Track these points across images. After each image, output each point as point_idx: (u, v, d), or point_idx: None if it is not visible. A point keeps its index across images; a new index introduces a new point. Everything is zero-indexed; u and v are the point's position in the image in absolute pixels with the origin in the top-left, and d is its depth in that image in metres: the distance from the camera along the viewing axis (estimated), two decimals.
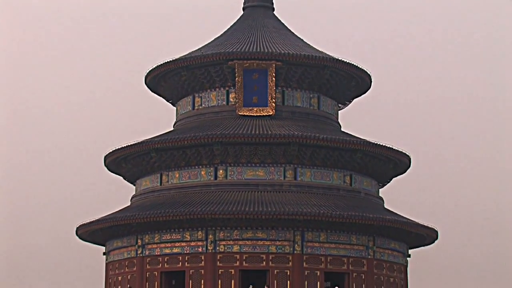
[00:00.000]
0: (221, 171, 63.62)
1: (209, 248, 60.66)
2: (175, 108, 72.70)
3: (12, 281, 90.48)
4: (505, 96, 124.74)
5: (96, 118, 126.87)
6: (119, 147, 66.63)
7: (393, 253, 65.73)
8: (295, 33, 73.53)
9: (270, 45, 67.90)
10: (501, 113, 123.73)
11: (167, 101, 74.06)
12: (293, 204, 60.56)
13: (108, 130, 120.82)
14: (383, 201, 69.70)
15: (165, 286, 61.29)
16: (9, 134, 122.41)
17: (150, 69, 70.12)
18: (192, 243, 61.35)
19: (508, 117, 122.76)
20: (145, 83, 72.24)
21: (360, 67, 69.46)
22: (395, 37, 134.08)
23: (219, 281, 60.07)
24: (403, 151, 67.53)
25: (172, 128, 70.83)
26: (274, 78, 65.63)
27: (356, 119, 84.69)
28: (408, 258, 68.83)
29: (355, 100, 74.56)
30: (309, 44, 71.76)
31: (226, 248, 60.65)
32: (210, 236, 60.77)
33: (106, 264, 68.53)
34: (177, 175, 65.13)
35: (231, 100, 67.11)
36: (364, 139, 66.08)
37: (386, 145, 65.89)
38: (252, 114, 65.85)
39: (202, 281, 60.11)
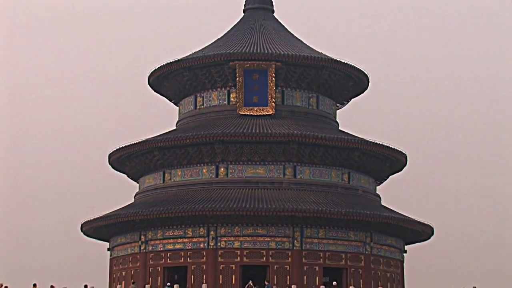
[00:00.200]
0: (222, 169, 63.64)
1: (210, 244, 60.69)
2: (177, 107, 72.69)
3: (18, 276, 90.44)
4: (502, 95, 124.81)
5: (100, 117, 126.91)
6: (123, 145, 66.65)
7: (389, 249, 65.75)
8: (294, 34, 73.54)
9: (270, 46, 67.92)
10: (498, 112, 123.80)
11: (170, 100, 74.05)
12: (292, 201, 60.57)
13: (112, 129, 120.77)
14: (380, 198, 69.71)
15: (167, 281, 61.24)
16: (15, 133, 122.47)
17: (153, 70, 70.14)
18: (194, 239, 61.37)
19: (504, 115, 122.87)
20: (148, 83, 72.24)
21: (358, 67, 69.50)
22: (392, 39, 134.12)
23: (220, 276, 60.10)
24: (400, 150, 67.57)
25: (174, 127, 70.84)
26: (274, 78, 65.65)
27: (354, 118, 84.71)
28: (404, 254, 68.85)
29: (353, 99, 74.55)
30: (308, 45, 71.77)
31: (227, 244, 60.67)
32: (212, 233, 60.79)
33: (110, 259, 68.54)
34: (179, 173, 65.14)
35: (232, 99, 67.13)
36: (361, 138, 66.10)
37: (383, 143, 65.94)
38: (252, 114, 65.86)
39: (204, 276, 60.11)
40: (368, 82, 71.73)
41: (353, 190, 65.87)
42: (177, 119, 71.71)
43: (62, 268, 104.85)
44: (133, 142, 65.85)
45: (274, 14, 75.43)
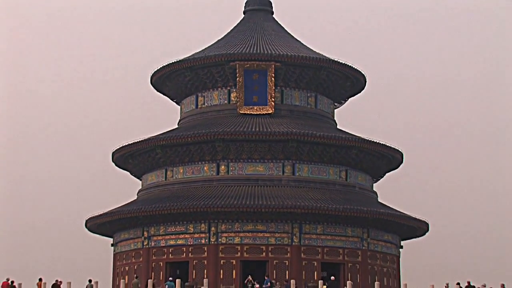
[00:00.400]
0: (223, 167, 63.62)
1: (211, 239, 60.69)
2: (179, 107, 72.66)
3: (25, 271, 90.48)
4: (498, 93, 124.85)
5: (104, 116, 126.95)
6: (126, 144, 66.62)
7: (386, 244, 65.74)
8: (293, 35, 73.50)
9: (269, 47, 67.89)
10: (493, 111, 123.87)
11: (172, 100, 74.01)
12: (291, 198, 60.57)
13: (116, 128, 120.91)
14: (376, 195, 69.70)
15: (169, 275, 61.27)
16: (22, 132, 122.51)
17: (155, 70, 70.10)
18: (196, 235, 61.37)
19: (500, 113, 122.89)
20: (151, 83, 72.19)
21: (355, 67, 69.46)
22: (389, 39, 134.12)
23: (221, 271, 60.11)
24: (396, 148, 67.57)
25: (176, 126, 70.81)
26: (273, 78, 65.61)
27: (351, 117, 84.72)
28: (400, 249, 68.84)
29: (350, 99, 74.50)
30: (306, 46, 71.72)
31: (227, 239, 60.68)
32: (213, 229, 60.79)
33: (114, 255, 68.54)
34: (181, 171, 65.13)
35: (233, 99, 67.11)
36: (359, 136, 66.08)
37: (380, 142, 65.93)
38: (252, 113, 65.84)
39: (205, 271, 60.11)
40: (365, 81, 71.70)
41: (351, 187, 65.85)
42: (179, 118, 71.67)
43: (67, 263, 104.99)
44: (136, 141, 65.87)
45: (274, 16, 75.38)
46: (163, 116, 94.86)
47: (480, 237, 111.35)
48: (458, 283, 51.02)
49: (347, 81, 70.55)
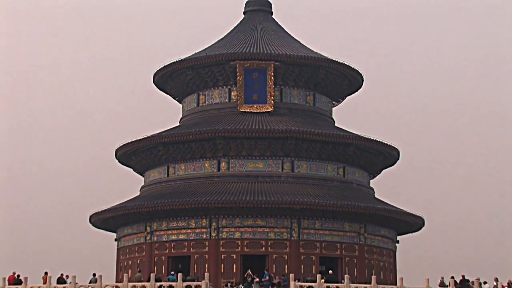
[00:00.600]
0: (223, 164, 63.64)
1: (212, 234, 60.73)
2: (181, 105, 72.68)
3: (30, 265, 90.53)
4: (495, 91, 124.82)
5: (108, 114, 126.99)
6: (129, 141, 66.68)
7: (383, 239, 65.75)
8: (292, 35, 73.48)
9: (269, 46, 67.88)
10: (491, 107, 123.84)
11: (174, 98, 74.02)
12: (290, 194, 60.59)
13: (119, 126, 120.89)
14: (373, 191, 69.71)
15: (171, 270, 61.32)
16: (28, 129, 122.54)
17: (157, 69, 70.10)
18: (197, 230, 61.40)
19: (497, 111, 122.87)
20: (153, 82, 72.20)
21: (353, 67, 69.46)
22: (386, 39, 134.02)
23: (222, 265, 60.15)
24: (393, 145, 67.57)
25: (178, 124, 70.81)
26: (272, 77, 65.60)
27: (349, 115, 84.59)
28: (397, 244, 68.87)
29: (348, 97, 74.49)
30: (305, 46, 71.71)
31: (228, 234, 60.71)
32: (214, 224, 60.82)
33: (117, 249, 68.59)
34: (183, 167, 65.16)
35: (233, 97, 67.11)
36: (356, 134, 66.09)
37: (377, 139, 65.94)
38: (252, 111, 65.84)
39: (206, 265, 60.12)
40: (363, 80, 71.68)
41: (348, 183, 65.87)
42: (181, 116, 71.68)
43: (72, 258, 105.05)
44: (139, 138, 65.88)
45: (273, 16, 75.36)
46: (165, 114, 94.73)
47: (475, 232, 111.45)
48: (453, 277, 50.98)
49: (345, 80, 70.54)
